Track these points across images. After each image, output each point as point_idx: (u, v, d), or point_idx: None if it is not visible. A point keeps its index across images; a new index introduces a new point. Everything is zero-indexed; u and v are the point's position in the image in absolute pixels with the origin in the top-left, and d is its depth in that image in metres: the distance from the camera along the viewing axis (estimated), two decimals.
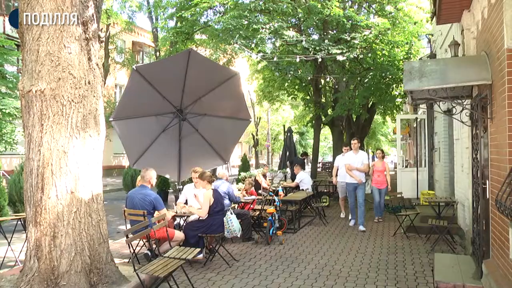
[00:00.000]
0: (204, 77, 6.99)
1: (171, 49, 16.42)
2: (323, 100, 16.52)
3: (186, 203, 6.65)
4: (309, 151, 38.60)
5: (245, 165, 16.48)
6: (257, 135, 32.63)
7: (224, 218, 5.88)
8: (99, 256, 4.18)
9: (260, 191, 9.24)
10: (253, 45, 12.78)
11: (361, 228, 7.83)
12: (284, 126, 29.80)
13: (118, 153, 24.62)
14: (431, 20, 9.08)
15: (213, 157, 8.08)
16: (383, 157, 9.11)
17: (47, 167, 3.96)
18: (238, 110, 7.66)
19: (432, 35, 11.54)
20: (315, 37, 13.18)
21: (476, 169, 5.01)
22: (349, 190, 8.48)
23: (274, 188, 8.78)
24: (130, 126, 7.15)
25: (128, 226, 5.38)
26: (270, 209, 6.96)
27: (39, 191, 3.96)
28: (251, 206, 8.00)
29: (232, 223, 5.98)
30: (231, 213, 6.10)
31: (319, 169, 27.76)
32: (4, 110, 12.45)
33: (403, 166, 12.92)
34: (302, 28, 12.90)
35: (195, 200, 6.53)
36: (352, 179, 8.27)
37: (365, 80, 13.84)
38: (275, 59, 12.33)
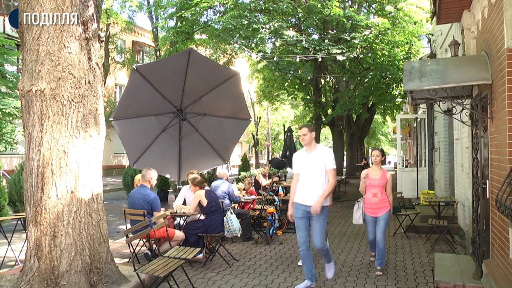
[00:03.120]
0: (204, 77, 7.00)
1: (171, 48, 16.47)
2: (323, 100, 16.55)
3: (184, 204, 6.64)
4: None
5: (245, 165, 16.47)
6: (257, 134, 32.65)
7: (224, 218, 5.88)
8: (99, 256, 4.18)
9: (260, 191, 9.23)
10: (253, 45, 12.81)
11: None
12: (284, 126, 29.80)
13: (118, 153, 24.64)
14: (431, 20, 9.08)
15: (213, 157, 8.09)
16: (383, 162, 5.49)
17: (47, 166, 3.96)
18: (238, 109, 7.67)
19: (432, 35, 11.54)
20: (315, 37, 13.21)
21: (476, 169, 5.01)
22: (297, 217, 4.51)
23: (274, 187, 8.77)
24: (130, 125, 7.16)
25: (128, 226, 5.38)
26: (270, 209, 6.96)
27: (39, 190, 3.95)
28: (251, 206, 8.00)
29: (232, 223, 5.99)
30: (231, 213, 6.11)
31: None
32: (4, 110, 12.45)
33: (403, 166, 12.92)
34: (302, 28, 12.93)
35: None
36: (303, 199, 4.48)
37: (365, 80, 13.87)
38: (275, 59, 12.34)
